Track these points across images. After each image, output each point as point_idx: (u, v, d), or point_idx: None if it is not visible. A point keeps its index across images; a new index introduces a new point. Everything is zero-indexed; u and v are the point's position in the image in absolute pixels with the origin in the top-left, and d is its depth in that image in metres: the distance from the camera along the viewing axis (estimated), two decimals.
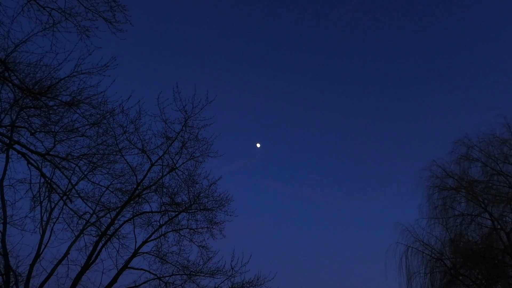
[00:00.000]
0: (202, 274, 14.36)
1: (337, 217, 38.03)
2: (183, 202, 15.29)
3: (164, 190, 15.22)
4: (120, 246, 14.16)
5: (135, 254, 13.91)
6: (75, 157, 12.67)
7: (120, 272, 13.76)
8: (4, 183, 12.93)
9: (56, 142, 12.37)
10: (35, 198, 13.23)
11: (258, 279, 14.25)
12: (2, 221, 12.80)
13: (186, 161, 15.20)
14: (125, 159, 14.33)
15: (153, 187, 15.07)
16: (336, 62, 41.59)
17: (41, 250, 13.26)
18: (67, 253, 13.50)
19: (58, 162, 12.58)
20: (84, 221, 13.80)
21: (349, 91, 41.97)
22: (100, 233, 13.81)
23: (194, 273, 14.37)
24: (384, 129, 40.87)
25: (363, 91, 41.64)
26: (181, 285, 14.34)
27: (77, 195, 13.52)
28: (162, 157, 15.00)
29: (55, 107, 11.48)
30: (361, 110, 42.73)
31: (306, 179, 40.45)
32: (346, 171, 40.77)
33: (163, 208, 15.16)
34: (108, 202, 14.36)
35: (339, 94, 42.60)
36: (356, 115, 41.93)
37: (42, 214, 13.52)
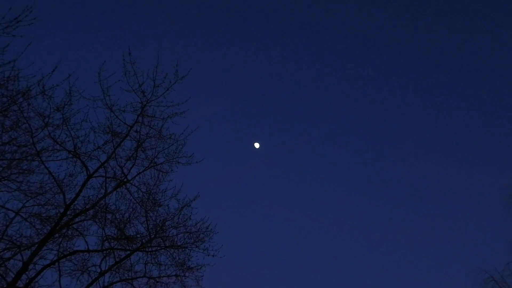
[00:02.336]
0: None
1: (379, 252, 25.93)
2: (138, 236, 11.18)
3: (109, 216, 11.00)
4: None
5: None
6: None
7: None
8: None
9: None
10: None
11: None
12: None
13: (143, 170, 11.09)
14: (46, 167, 10.49)
15: (91, 212, 10.91)
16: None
17: None
18: None
19: None
20: None
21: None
22: (5, 286, 10.07)
23: None
24: None
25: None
26: None
27: None
28: (106, 164, 10.71)
29: None
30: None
31: (324, 197, 28.18)
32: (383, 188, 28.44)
33: (107, 245, 11.14)
34: (18, 235, 10.74)
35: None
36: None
37: None
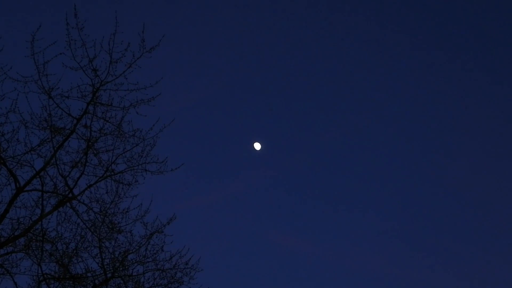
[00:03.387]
0: None
1: None
2: (89, 275, 8.40)
3: (47, 247, 8.19)
4: None
5: None
6: None
7: None
8: None
9: None
10: None
11: None
12: None
13: (95, 182, 8.30)
14: None
15: (22, 241, 8.17)
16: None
17: None
18: None
19: None
20: None
21: None
22: None
23: None
24: None
25: None
26: None
27: None
28: (43, 173, 7.92)
29: None
30: None
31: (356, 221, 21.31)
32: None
33: (45, 287, 8.22)
34: None
35: None
36: None
37: None
